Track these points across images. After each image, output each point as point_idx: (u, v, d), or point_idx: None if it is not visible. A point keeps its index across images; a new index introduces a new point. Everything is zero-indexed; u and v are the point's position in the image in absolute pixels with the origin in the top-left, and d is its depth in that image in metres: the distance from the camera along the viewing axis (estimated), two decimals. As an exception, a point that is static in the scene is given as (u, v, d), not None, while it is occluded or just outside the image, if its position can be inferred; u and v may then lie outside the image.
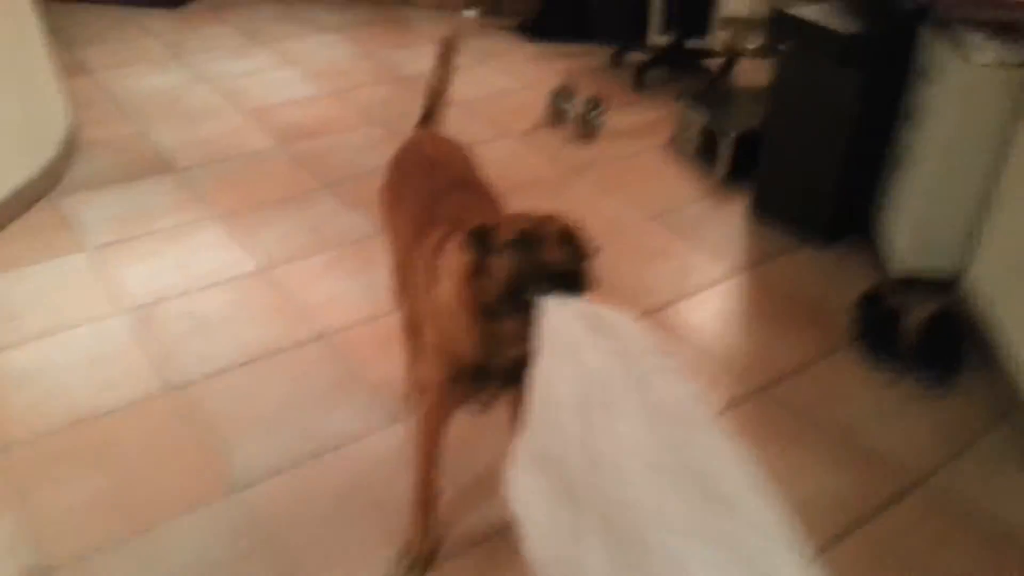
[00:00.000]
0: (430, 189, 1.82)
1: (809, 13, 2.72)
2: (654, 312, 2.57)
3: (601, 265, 1.41)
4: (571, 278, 1.35)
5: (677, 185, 3.35)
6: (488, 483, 1.89)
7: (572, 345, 1.24)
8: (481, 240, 1.42)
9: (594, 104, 3.73)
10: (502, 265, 1.40)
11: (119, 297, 2.61)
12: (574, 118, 3.72)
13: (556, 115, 3.84)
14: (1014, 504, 1.91)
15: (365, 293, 2.64)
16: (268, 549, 1.79)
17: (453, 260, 1.49)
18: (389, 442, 2.06)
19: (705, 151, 3.42)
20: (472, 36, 4.91)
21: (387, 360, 2.30)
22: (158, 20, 4.98)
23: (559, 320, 1.28)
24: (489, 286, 1.42)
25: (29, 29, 3.25)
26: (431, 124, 2.14)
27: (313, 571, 1.75)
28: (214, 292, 2.65)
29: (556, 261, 1.35)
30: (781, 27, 2.85)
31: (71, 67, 4.25)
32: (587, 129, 3.72)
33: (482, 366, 1.51)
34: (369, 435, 2.09)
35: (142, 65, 4.39)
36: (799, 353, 2.40)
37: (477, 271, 1.43)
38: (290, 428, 2.11)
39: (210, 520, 1.85)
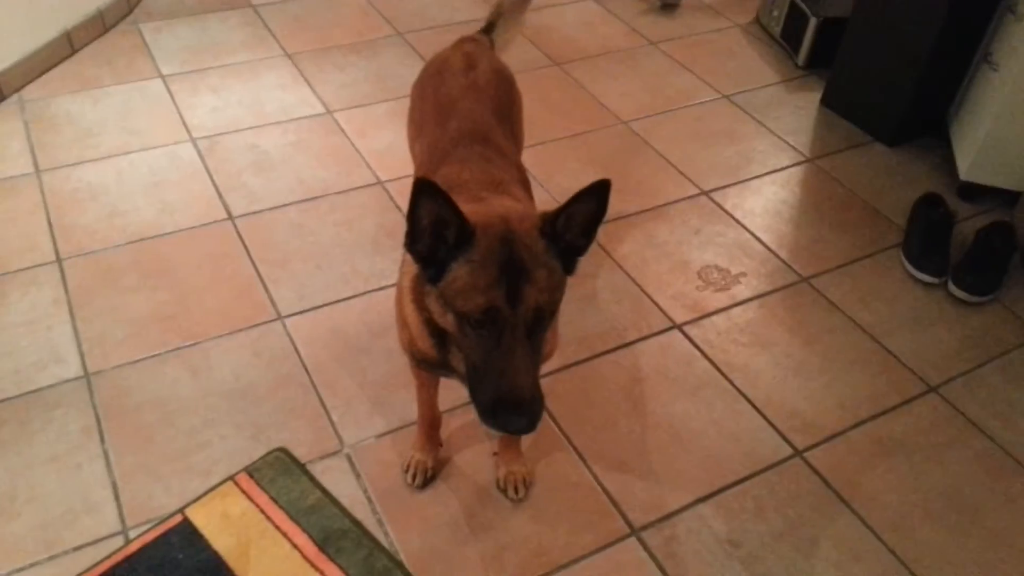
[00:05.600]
0: (443, 135, 1.64)
1: None
2: (710, 192, 2.55)
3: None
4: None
5: (755, 66, 3.22)
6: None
7: None
8: (434, 244, 1.16)
9: (681, -29, 3.56)
10: (444, 316, 1.19)
11: (188, 125, 2.70)
12: (658, -15, 3.57)
13: (639, -20, 3.68)
14: (1022, 422, 1.91)
15: (422, 146, 2.67)
16: (303, 377, 1.93)
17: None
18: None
19: (790, 33, 3.26)
20: None
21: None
22: None
23: None
24: (433, 314, 1.22)
25: None
26: (492, 35, 2.01)
27: (342, 401, 1.88)
28: (278, 130, 2.72)
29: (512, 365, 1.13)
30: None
31: None
32: (670, -1, 3.57)
33: (440, 362, 1.34)
34: (407, 282, 2.18)
35: None
36: (847, 249, 2.37)
37: (425, 286, 1.22)
38: (331, 268, 2.21)
39: (252, 343, 1.99)
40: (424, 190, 1.10)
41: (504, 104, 1.80)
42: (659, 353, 2.03)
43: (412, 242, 1.16)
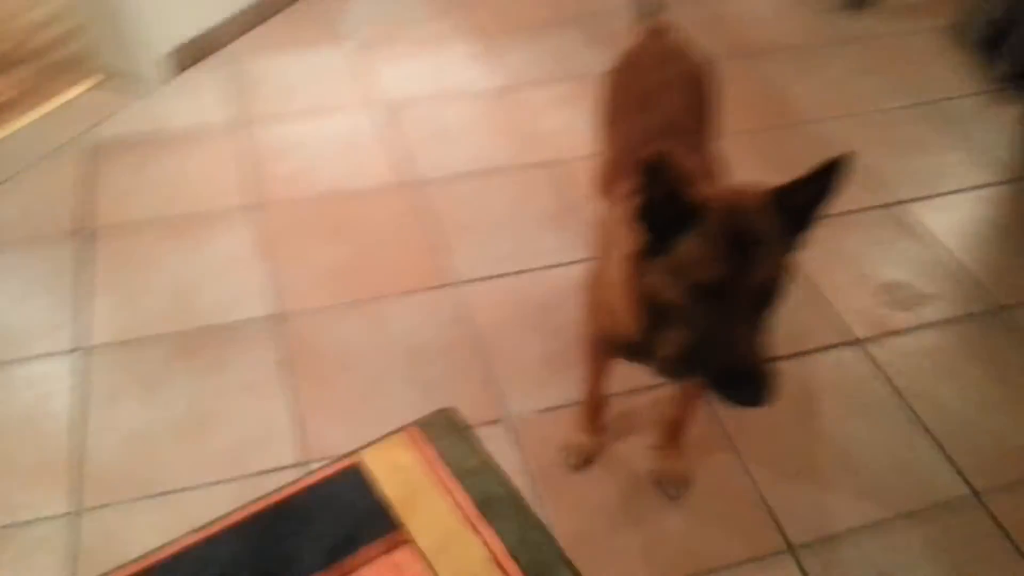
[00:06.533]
0: (640, 126, 1.64)
1: None
2: (896, 205, 2.43)
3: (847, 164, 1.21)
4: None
5: (949, 75, 3.02)
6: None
7: None
8: (660, 221, 1.15)
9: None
10: (671, 288, 1.17)
11: (373, 93, 2.81)
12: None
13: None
14: None
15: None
16: (473, 343, 1.98)
17: (623, 232, 1.26)
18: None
19: (991, 43, 3.02)
20: None
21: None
22: None
23: None
24: (655, 288, 1.20)
25: None
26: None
27: (509, 371, 1.92)
28: (458, 103, 2.78)
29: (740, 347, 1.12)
30: None
31: None
32: (862, -5, 3.39)
33: (638, 346, 1.34)
34: (573, 264, 2.18)
35: None
36: (1047, 283, 2.20)
37: (645, 262, 1.20)
38: (506, 241, 2.26)
39: (428, 304, 2.07)
40: (657, 164, 1.11)
41: (701, 98, 1.77)
42: (835, 367, 1.96)
43: (643, 214, 1.17)
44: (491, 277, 2.15)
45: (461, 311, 2.06)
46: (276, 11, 3.17)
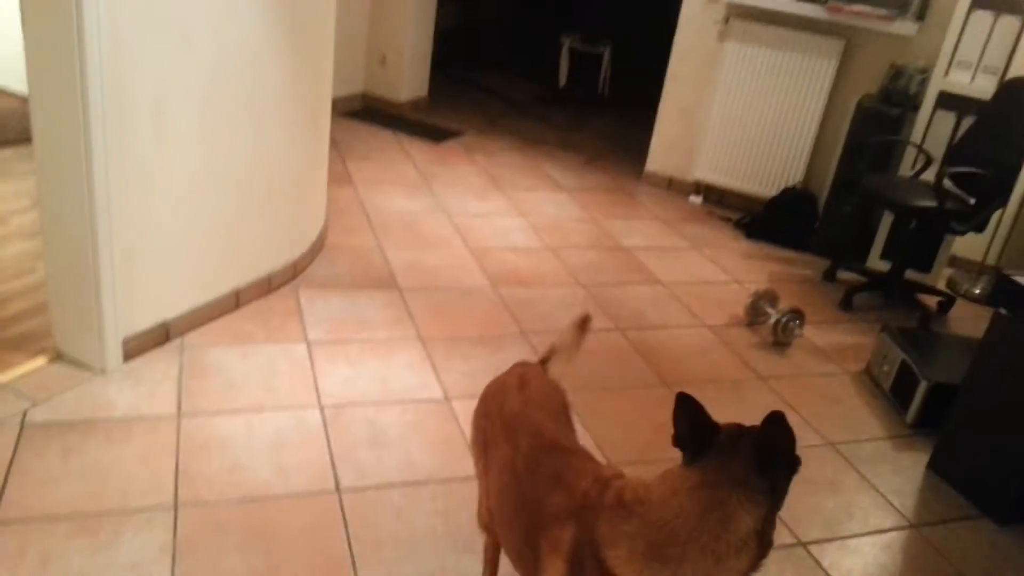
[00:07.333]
0: (516, 455, 1.74)
1: (1033, 286, 2.66)
2: (808, 544, 2.50)
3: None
4: None
5: (862, 418, 3.27)
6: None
7: None
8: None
9: (795, 315, 3.76)
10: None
11: (315, 394, 2.94)
12: (772, 324, 3.76)
13: (754, 316, 3.90)
14: None
15: (526, 447, 2.78)
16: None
17: None
18: (508, 602, 2.15)
19: (900, 390, 3.32)
20: (694, 222, 5.14)
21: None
22: (420, 150, 5.66)
23: None
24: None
25: (320, 140, 3.86)
26: (547, 365, 2.11)
27: None
28: (399, 409, 2.91)
29: None
30: (1002, 292, 2.79)
31: (339, 176, 4.94)
32: (782, 338, 3.74)
33: None
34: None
35: (396, 187, 5.00)
36: (952, 640, 2.24)
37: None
38: (426, 560, 2.26)
39: (333, 626, 2.02)
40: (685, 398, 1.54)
41: (560, 413, 1.89)
42: None
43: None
44: (400, 601, 2.12)
45: (365, 636, 2.00)
46: (236, 306, 3.39)
